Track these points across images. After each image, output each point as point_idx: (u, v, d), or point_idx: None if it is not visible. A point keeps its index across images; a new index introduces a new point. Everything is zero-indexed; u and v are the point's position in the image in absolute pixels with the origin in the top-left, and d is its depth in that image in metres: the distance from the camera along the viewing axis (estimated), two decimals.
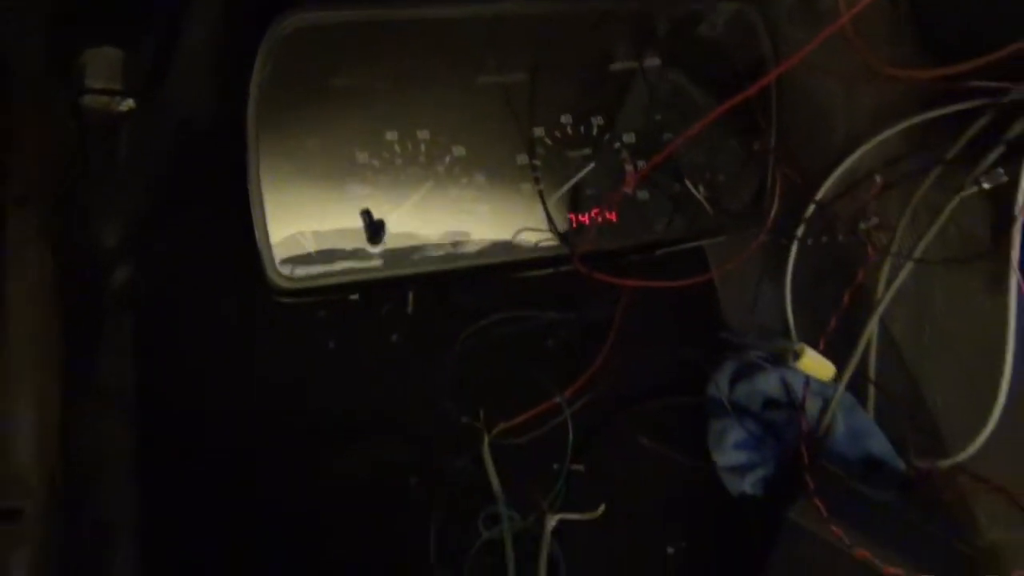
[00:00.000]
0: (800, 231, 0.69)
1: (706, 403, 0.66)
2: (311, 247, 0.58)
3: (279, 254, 0.56)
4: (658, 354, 0.68)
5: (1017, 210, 0.54)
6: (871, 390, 0.66)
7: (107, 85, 0.65)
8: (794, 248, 0.70)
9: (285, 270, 0.57)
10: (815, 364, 0.59)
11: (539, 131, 0.65)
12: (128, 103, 0.65)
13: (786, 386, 0.64)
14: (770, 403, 0.66)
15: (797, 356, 0.59)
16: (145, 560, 0.54)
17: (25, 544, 0.44)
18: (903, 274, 0.62)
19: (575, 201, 0.66)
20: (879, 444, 0.64)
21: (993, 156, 0.58)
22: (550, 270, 0.67)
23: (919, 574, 0.54)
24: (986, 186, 0.57)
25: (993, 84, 0.58)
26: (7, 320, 0.46)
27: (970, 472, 0.61)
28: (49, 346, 0.48)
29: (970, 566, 0.56)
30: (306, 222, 0.58)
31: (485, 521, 0.58)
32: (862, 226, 0.64)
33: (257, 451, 0.58)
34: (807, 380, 0.62)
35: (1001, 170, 0.57)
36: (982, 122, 0.58)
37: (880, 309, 0.62)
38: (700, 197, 0.67)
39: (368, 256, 0.59)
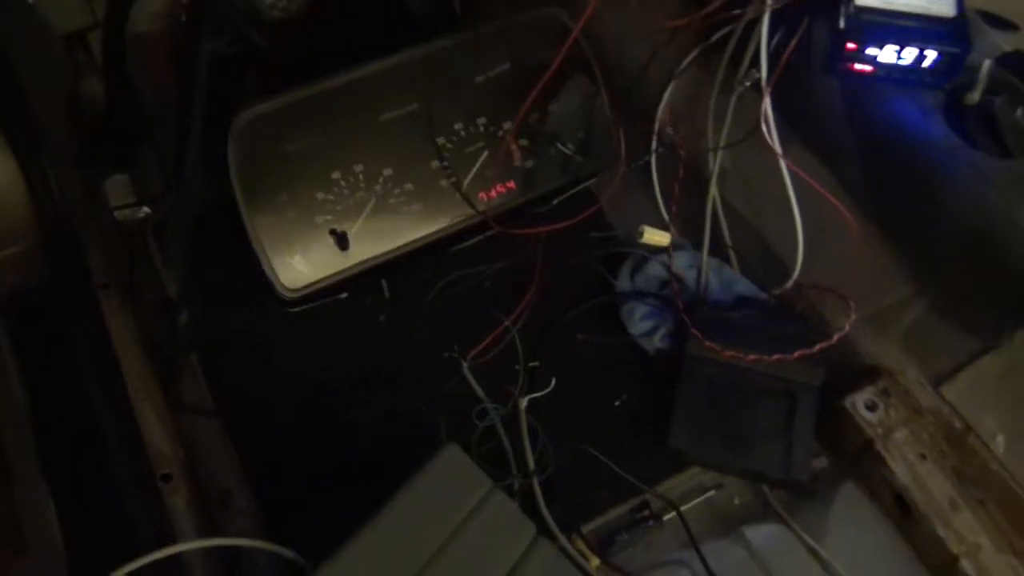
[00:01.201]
0: (654, 152, 0.92)
1: (616, 296, 0.89)
2: (301, 266, 0.81)
3: (281, 276, 0.80)
4: (575, 272, 0.90)
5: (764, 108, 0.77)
6: (731, 252, 0.89)
7: (125, 201, 0.88)
8: (654, 163, 0.92)
9: (288, 285, 0.80)
10: (656, 237, 0.83)
11: (441, 140, 0.88)
12: (145, 210, 0.89)
13: (667, 267, 0.87)
14: (664, 283, 0.89)
15: (641, 235, 0.82)
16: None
17: None
18: (717, 162, 0.84)
19: (482, 182, 0.89)
20: (745, 286, 0.87)
21: (747, 61, 0.81)
22: (480, 236, 0.91)
23: (772, 357, 0.76)
24: (747, 84, 0.80)
25: (734, 12, 0.81)
26: (121, 360, 0.68)
27: (807, 284, 0.84)
28: (149, 373, 0.71)
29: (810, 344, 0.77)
30: (294, 250, 0.80)
31: (478, 416, 0.80)
32: (669, 132, 0.87)
33: (299, 416, 0.80)
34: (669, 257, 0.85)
35: (755, 70, 0.80)
36: (733, 41, 0.81)
37: (712, 190, 0.85)
38: (569, 152, 0.90)
39: (342, 261, 0.82)
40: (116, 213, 0.85)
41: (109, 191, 0.87)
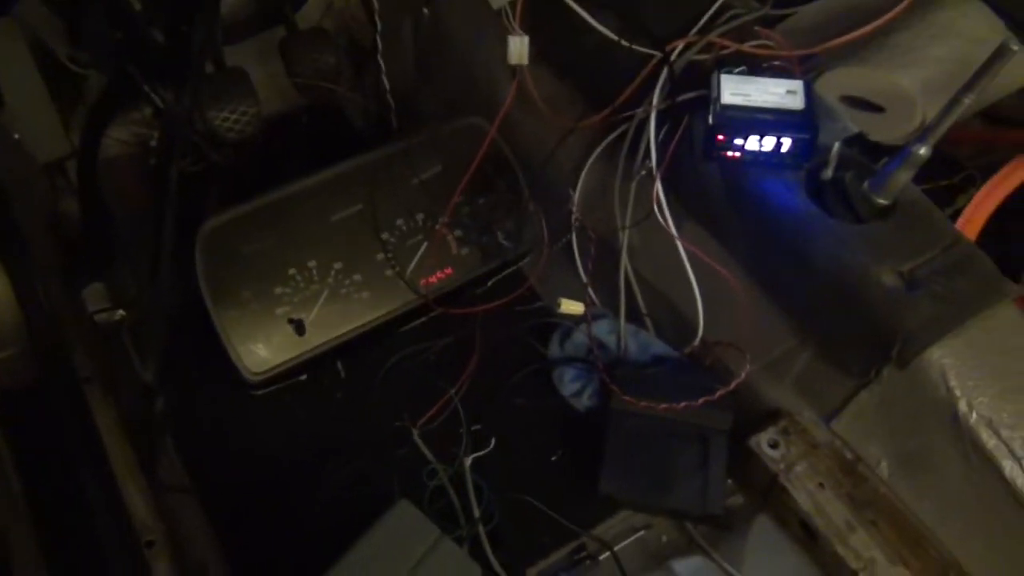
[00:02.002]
0: (573, 234, 1.04)
1: (547, 363, 1.00)
2: (263, 352, 0.91)
3: (246, 362, 0.90)
4: (510, 344, 1.02)
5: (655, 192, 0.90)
6: (646, 318, 1.00)
7: (102, 306, 0.98)
8: (574, 244, 1.05)
9: (252, 370, 0.90)
10: (571, 306, 0.94)
11: (385, 235, 1.00)
12: (120, 313, 0.99)
13: (588, 334, 0.98)
14: (590, 349, 1.00)
15: (559, 306, 0.94)
16: None
17: None
18: (625, 239, 0.97)
19: (423, 269, 1.01)
20: (659, 347, 0.98)
21: (641, 153, 0.94)
22: (423, 317, 1.02)
23: (680, 404, 0.88)
24: (643, 172, 0.94)
25: (628, 113, 0.95)
26: (106, 445, 0.78)
27: (712, 341, 0.95)
28: (131, 455, 0.80)
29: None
30: (256, 338, 0.91)
31: (428, 476, 0.90)
32: (577, 218, 1.00)
33: (267, 489, 0.89)
34: (588, 322, 0.97)
35: (648, 161, 0.93)
36: (629, 137, 0.95)
37: (623, 263, 0.97)
38: (499, 238, 1.03)
39: (300, 345, 0.92)
40: (95, 317, 0.94)
41: (88, 298, 0.97)
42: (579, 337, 0.99)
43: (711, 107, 0.86)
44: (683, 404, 0.88)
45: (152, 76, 0.83)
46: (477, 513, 0.86)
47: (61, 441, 0.79)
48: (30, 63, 0.82)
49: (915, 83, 1.10)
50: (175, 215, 0.77)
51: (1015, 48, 0.71)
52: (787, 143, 0.84)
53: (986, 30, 1.10)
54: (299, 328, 0.92)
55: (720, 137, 0.85)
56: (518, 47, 0.83)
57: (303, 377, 0.96)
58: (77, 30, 0.79)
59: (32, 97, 0.85)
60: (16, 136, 0.88)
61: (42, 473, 0.79)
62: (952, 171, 1.24)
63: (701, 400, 0.87)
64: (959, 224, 1.04)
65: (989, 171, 1.21)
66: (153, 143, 0.97)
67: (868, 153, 0.88)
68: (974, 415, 0.78)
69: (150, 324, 0.79)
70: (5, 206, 0.83)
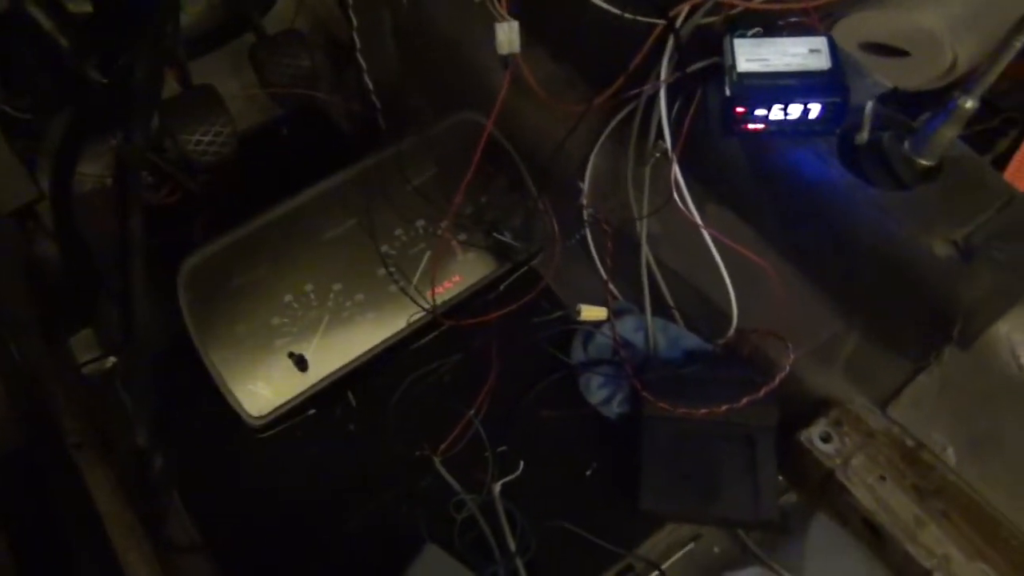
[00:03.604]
0: (587, 227, 0.97)
1: (572, 369, 0.92)
2: (265, 392, 0.84)
3: (246, 406, 0.83)
4: (530, 352, 0.94)
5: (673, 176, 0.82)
6: (674, 310, 0.93)
7: (90, 356, 0.92)
8: (588, 238, 0.97)
9: (254, 413, 0.83)
10: (592, 312, 0.87)
11: (384, 247, 0.93)
12: (111, 360, 0.92)
13: (613, 336, 0.91)
14: (615, 351, 0.92)
15: (578, 312, 0.86)
16: None
17: None
18: (644, 228, 0.89)
19: (429, 280, 0.93)
20: (691, 341, 0.91)
21: (653, 133, 0.86)
22: (434, 332, 0.95)
23: (722, 407, 0.80)
24: (658, 154, 0.86)
25: (635, 91, 0.87)
26: (103, 512, 0.71)
27: (748, 330, 0.88)
28: (133, 520, 0.74)
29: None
30: (256, 377, 0.84)
31: (455, 508, 0.83)
32: (590, 211, 0.92)
33: (283, 537, 0.83)
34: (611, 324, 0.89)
35: (662, 141, 0.85)
36: (638, 116, 0.87)
37: (644, 254, 0.90)
38: (506, 239, 0.95)
39: (304, 381, 0.85)
40: (85, 368, 0.88)
41: (75, 348, 0.91)
42: (603, 339, 0.92)
43: (726, 77, 0.77)
44: (724, 407, 0.81)
45: (97, 117, 0.76)
46: (513, 545, 0.79)
47: (51, 511, 0.73)
48: None
49: (939, 20, 1.02)
50: (144, 261, 0.70)
51: None
52: (815, 108, 0.75)
53: None
54: (300, 363, 0.85)
55: (739, 109, 0.76)
56: (507, 34, 0.75)
57: (312, 412, 0.89)
58: (8, 76, 0.71)
59: None
60: None
61: (33, 546, 0.73)
62: (987, 113, 1.15)
63: (744, 400, 0.80)
64: (1007, 175, 0.95)
65: None
66: None
67: (906, 110, 0.79)
68: None
69: (134, 382, 0.72)
70: None
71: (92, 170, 0.96)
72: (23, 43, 0.67)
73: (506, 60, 0.78)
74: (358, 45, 0.98)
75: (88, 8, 0.67)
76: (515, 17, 0.77)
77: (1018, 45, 0.65)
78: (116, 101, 0.73)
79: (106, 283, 0.95)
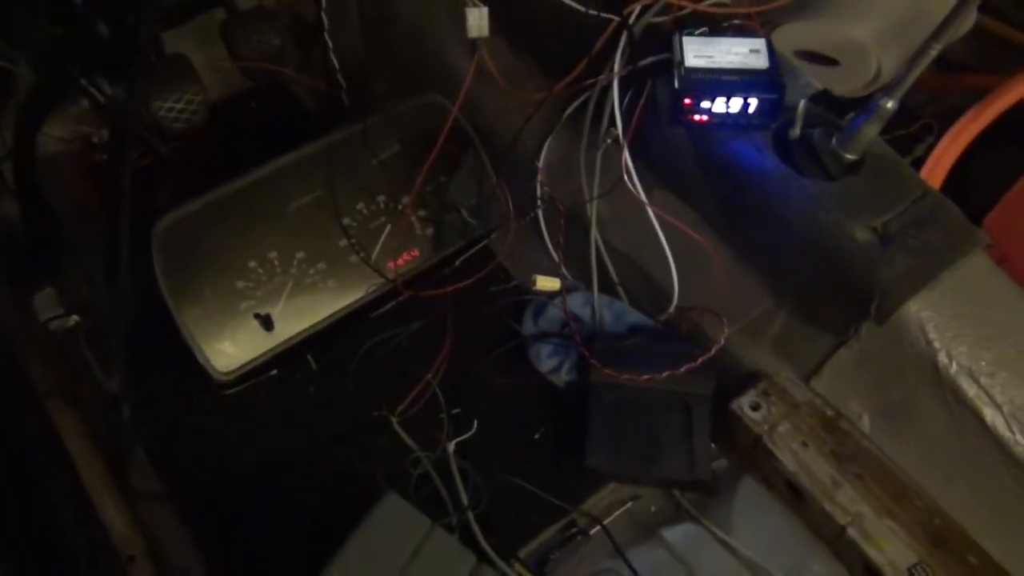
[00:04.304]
0: (539, 208, 1.02)
1: (523, 340, 0.98)
2: (231, 350, 0.88)
3: (214, 362, 0.86)
4: (483, 323, 1.00)
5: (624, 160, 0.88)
6: (619, 288, 0.99)
7: (55, 313, 0.94)
8: (541, 219, 1.03)
9: (221, 369, 0.86)
10: (547, 282, 0.93)
11: (347, 220, 0.96)
12: (74, 318, 0.94)
13: (564, 308, 0.97)
14: (565, 323, 0.98)
15: (534, 283, 0.92)
16: None
17: None
18: (594, 210, 0.95)
19: (388, 253, 0.98)
20: (635, 316, 0.97)
21: (605, 121, 0.92)
22: (392, 302, 0.99)
23: (663, 374, 0.87)
24: (609, 141, 0.92)
25: (590, 81, 0.93)
26: (76, 459, 0.74)
27: (686, 307, 0.95)
28: (102, 467, 0.76)
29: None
30: (222, 336, 0.87)
31: (412, 465, 0.88)
32: (546, 191, 0.98)
33: (245, 491, 0.87)
34: (563, 297, 0.96)
35: (613, 128, 0.91)
36: (591, 105, 0.93)
37: (593, 234, 0.96)
38: (464, 216, 1.00)
39: (269, 341, 0.89)
40: (50, 324, 0.90)
41: (38, 306, 0.92)
42: (553, 312, 0.98)
43: (675, 71, 0.84)
44: (666, 374, 0.87)
45: (94, 70, 0.78)
46: (465, 499, 0.84)
47: (24, 459, 0.75)
48: None
49: (867, 34, 1.10)
50: (129, 214, 0.73)
51: None
52: (754, 103, 0.83)
53: None
54: (267, 323, 0.88)
55: (687, 101, 0.83)
56: (477, 19, 0.80)
57: (274, 372, 0.93)
58: (8, 27, 0.74)
59: None
60: None
61: (5, 495, 0.75)
62: (907, 119, 1.25)
63: (683, 368, 0.86)
64: (923, 173, 1.04)
65: (943, 118, 1.23)
66: (95, 139, 0.92)
67: (834, 109, 0.87)
68: (954, 365, 0.78)
69: (110, 331, 0.75)
70: None
71: (58, 132, 0.98)
72: None
73: (474, 44, 0.83)
74: (326, 25, 1.02)
75: None
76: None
77: (933, 53, 0.73)
78: (118, 57, 0.76)
79: (69, 243, 0.96)
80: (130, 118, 0.77)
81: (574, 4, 0.88)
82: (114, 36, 0.72)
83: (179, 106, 0.90)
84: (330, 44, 1.03)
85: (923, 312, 0.79)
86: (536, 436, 0.93)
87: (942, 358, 0.78)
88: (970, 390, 0.78)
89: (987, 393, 0.77)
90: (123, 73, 0.75)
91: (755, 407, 0.89)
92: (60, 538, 0.71)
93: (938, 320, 0.79)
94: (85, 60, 0.77)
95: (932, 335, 0.78)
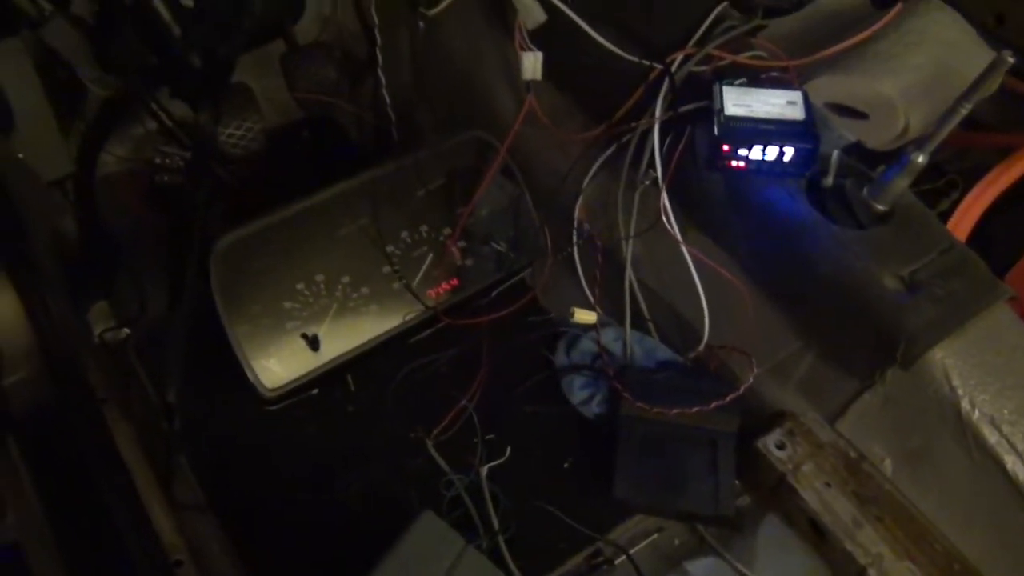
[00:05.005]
0: (575, 244, 1.06)
1: (556, 371, 1.01)
2: (277, 368, 0.91)
3: (261, 378, 0.90)
4: (518, 353, 1.03)
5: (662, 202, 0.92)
6: (650, 324, 1.03)
7: (107, 326, 0.98)
8: (576, 255, 1.07)
9: (268, 386, 0.90)
10: (584, 315, 0.96)
11: (391, 248, 1.01)
12: (125, 331, 0.98)
13: (597, 341, 1.00)
14: (596, 356, 1.02)
15: (572, 315, 0.96)
16: None
17: None
18: (629, 248, 0.99)
19: (429, 281, 1.02)
20: (664, 353, 1.00)
21: (645, 163, 0.96)
22: (431, 329, 1.03)
23: (693, 409, 0.90)
24: (647, 182, 0.96)
25: (631, 124, 0.97)
26: (129, 464, 0.77)
27: (716, 346, 0.98)
28: (148, 473, 0.80)
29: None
30: (269, 353, 0.91)
31: (444, 487, 0.91)
32: (586, 227, 1.02)
33: (284, 504, 0.89)
34: (598, 329, 0.99)
35: (652, 171, 0.95)
36: (632, 147, 0.97)
37: (628, 272, 0.99)
38: (503, 249, 1.04)
39: (314, 360, 0.93)
40: (104, 335, 0.94)
41: (92, 318, 0.96)
42: (585, 345, 1.01)
43: (715, 118, 0.88)
44: (695, 409, 0.90)
45: (181, 96, 0.83)
46: (496, 523, 0.87)
47: (81, 463, 0.79)
48: (37, 85, 0.82)
49: (896, 90, 1.14)
50: (201, 235, 0.77)
51: (1010, 60, 0.74)
52: (790, 152, 0.86)
53: (957, 34, 1.15)
54: (313, 343, 0.92)
55: (725, 147, 0.87)
56: (532, 63, 0.85)
57: (315, 391, 0.96)
58: (108, 54, 0.79)
59: (38, 117, 0.84)
60: (20, 156, 0.88)
61: (63, 497, 0.79)
62: (934, 175, 1.28)
63: (712, 405, 0.89)
64: (949, 226, 1.07)
65: (968, 174, 1.26)
66: (158, 160, 0.96)
67: (866, 161, 0.90)
68: (976, 412, 0.81)
69: (171, 345, 0.79)
70: (18, 228, 0.82)
71: (120, 152, 1.03)
72: (137, 28, 0.75)
73: (528, 85, 0.87)
74: (380, 62, 1.07)
75: (190, 3, 0.75)
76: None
77: (963, 112, 0.77)
78: (203, 85, 0.81)
79: (124, 259, 1.01)
80: (211, 142, 0.81)
81: (621, 52, 0.92)
82: (205, 67, 0.77)
83: (239, 132, 0.95)
84: (383, 80, 1.07)
85: (947, 359, 0.82)
86: (565, 465, 0.95)
87: (965, 405, 0.81)
88: (992, 437, 0.80)
89: (1008, 441, 0.80)
90: (207, 100, 0.79)
91: (780, 446, 0.92)
92: (114, 540, 0.74)
93: (962, 368, 0.81)
94: (176, 87, 0.82)
95: (956, 382, 0.81)
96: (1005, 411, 0.81)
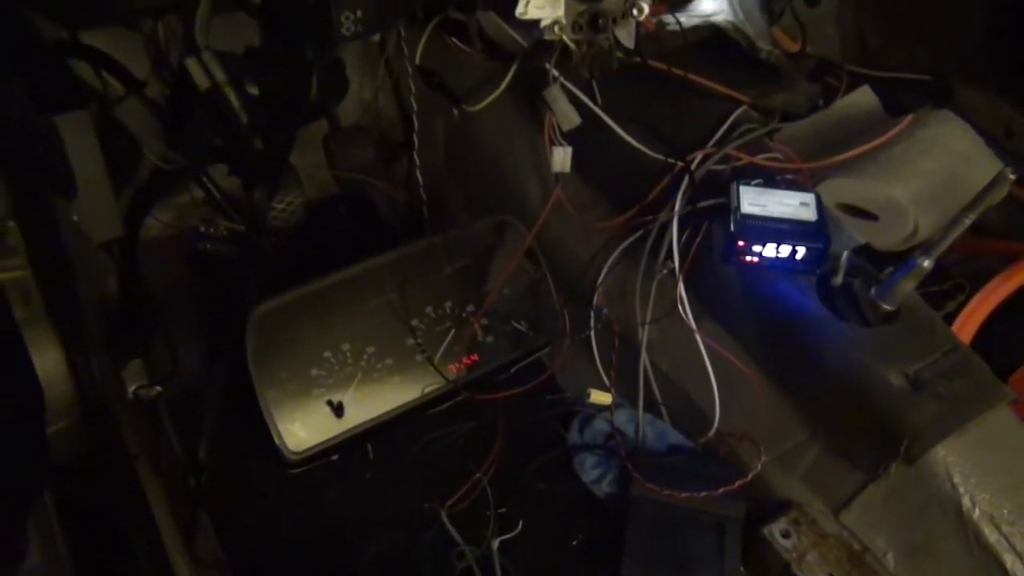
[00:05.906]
0: (592, 328, 1.10)
1: (570, 449, 1.04)
2: (302, 433, 0.95)
3: (287, 441, 0.93)
4: (533, 429, 1.06)
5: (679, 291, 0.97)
6: (662, 408, 1.06)
7: (141, 383, 1.02)
8: (593, 338, 1.11)
9: (293, 449, 0.93)
10: (600, 396, 1.00)
11: (415, 321, 1.05)
12: (157, 389, 1.02)
13: (611, 422, 1.03)
14: (609, 436, 1.05)
15: (588, 395, 0.99)
16: None
17: None
18: (645, 334, 1.03)
19: (450, 355, 1.06)
20: (675, 437, 1.03)
21: (663, 254, 1.01)
22: (450, 401, 1.06)
23: (701, 493, 0.92)
24: (664, 271, 1.01)
25: (648, 218, 1.02)
26: (157, 518, 0.80)
27: (725, 432, 1.01)
28: (174, 528, 0.82)
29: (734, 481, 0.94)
30: (295, 419, 0.95)
31: (456, 558, 0.93)
32: (604, 312, 1.06)
33: (299, 566, 0.92)
34: (612, 411, 1.02)
35: (670, 261, 1.00)
36: (651, 238, 1.02)
37: (643, 357, 1.03)
38: (523, 329, 1.08)
39: (337, 426, 0.96)
40: (138, 392, 0.98)
41: (127, 375, 1.00)
42: (598, 425, 1.04)
43: (732, 215, 0.93)
44: (703, 493, 0.93)
45: (239, 174, 0.89)
46: None
47: (110, 515, 0.82)
48: (99, 155, 0.88)
49: (907, 194, 1.19)
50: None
51: (1012, 177, 0.79)
52: (802, 251, 0.91)
53: (968, 146, 1.20)
54: (338, 410, 0.96)
55: (740, 243, 0.92)
56: (562, 157, 0.90)
57: (335, 457, 1.00)
58: (177, 135, 0.85)
59: (96, 184, 0.90)
60: (75, 218, 0.93)
61: (88, 544, 0.82)
62: (940, 277, 1.33)
63: (720, 490, 0.92)
64: (954, 328, 1.11)
65: (974, 278, 1.30)
66: (202, 228, 1.02)
67: (874, 262, 0.95)
68: (977, 511, 0.83)
69: (207, 405, 0.83)
70: (71, 285, 0.87)
71: (165, 217, 1.09)
72: (208, 113, 0.81)
73: (557, 177, 0.93)
74: (416, 146, 1.14)
75: (255, 91, 0.81)
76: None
77: (968, 221, 0.82)
78: (266, 165, 0.87)
79: (161, 321, 1.05)
80: (264, 217, 0.87)
81: (645, 149, 0.98)
82: (266, 149, 0.83)
83: (281, 206, 1.00)
84: (417, 162, 1.14)
85: (950, 457, 0.85)
86: (575, 542, 0.98)
87: (966, 503, 0.83)
88: (992, 536, 0.82)
89: (1008, 540, 0.82)
90: (266, 179, 0.86)
91: (785, 535, 0.94)
92: None
93: (963, 466, 0.84)
94: (235, 166, 0.88)
95: (957, 480, 0.84)
96: (1005, 511, 0.83)
